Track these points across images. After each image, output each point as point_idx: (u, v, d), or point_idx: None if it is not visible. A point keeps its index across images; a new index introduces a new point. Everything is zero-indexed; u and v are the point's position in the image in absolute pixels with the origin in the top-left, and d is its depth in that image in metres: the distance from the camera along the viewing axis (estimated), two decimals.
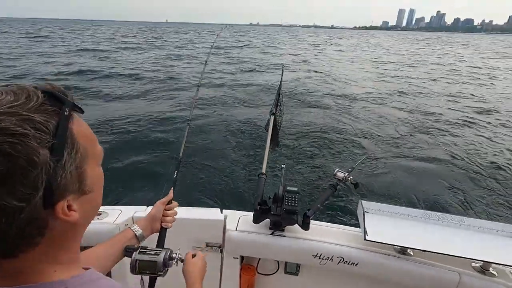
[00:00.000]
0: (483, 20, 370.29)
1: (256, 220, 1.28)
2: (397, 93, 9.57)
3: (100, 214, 1.27)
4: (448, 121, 7.10)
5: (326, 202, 1.38)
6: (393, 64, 18.87)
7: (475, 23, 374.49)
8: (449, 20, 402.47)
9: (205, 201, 3.27)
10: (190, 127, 1.27)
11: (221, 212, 1.38)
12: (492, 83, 12.89)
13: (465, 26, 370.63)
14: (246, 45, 26.84)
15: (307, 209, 1.27)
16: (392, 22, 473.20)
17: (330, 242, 1.29)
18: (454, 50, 36.08)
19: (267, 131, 2.03)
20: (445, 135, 6.15)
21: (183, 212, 1.25)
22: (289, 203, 1.22)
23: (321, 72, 13.13)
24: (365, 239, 1.20)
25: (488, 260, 1.22)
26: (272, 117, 2.31)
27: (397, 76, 13.94)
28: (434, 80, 12.99)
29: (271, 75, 12.14)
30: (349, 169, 1.44)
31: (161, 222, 0.93)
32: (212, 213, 1.36)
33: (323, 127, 6.10)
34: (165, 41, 29.03)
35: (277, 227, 1.29)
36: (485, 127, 7.04)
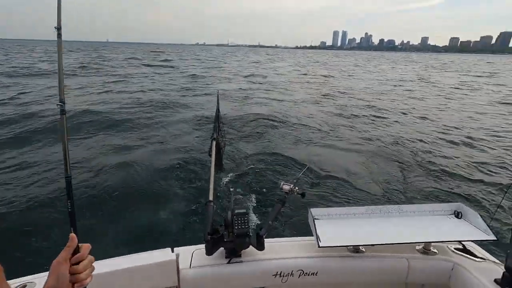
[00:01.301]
0: (402, 41, 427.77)
1: (210, 251, 1.22)
2: (339, 107, 10.95)
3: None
4: (372, 122, 8.59)
5: (277, 217, 1.37)
6: (333, 77, 21.27)
7: (396, 43, 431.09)
8: (375, 40, 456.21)
9: (152, 242, 2.99)
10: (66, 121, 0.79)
11: (172, 251, 1.26)
12: (407, 86, 15.61)
13: (389, 46, 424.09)
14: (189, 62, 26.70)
15: (259, 228, 1.25)
16: (329, 42, 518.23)
17: (288, 257, 1.27)
18: (379, 64, 42.23)
19: (211, 156, 2.01)
20: (371, 137, 7.28)
21: (126, 262, 1.16)
22: (239, 226, 1.18)
23: (264, 90, 14.03)
24: (319, 246, 1.21)
25: (427, 241, 1.29)
26: (214, 142, 2.24)
27: (334, 87, 15.98)
28: (368, 89, 15.13)
29: (208, 97, 12.36)
30: (294, 180, 1.46)
31: (73, 285, 0.67)
32: (162, 254, 1.23)
33: (265, 145, 6.34)
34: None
35: (233, 254, 1.24)
36: (401, 123, 8.76)
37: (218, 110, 2.94)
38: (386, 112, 10.82)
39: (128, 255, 1.21)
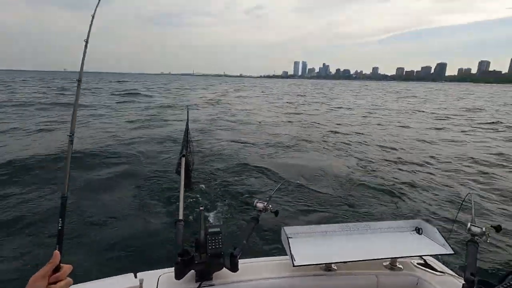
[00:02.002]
0: (356, 70, 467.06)
1: (179, 275, 1.12)
2: (304, 125, 11.35)
3: None
4: (343, 143, 8.73)
5: (251, 236, 1.32)
6: (291, 103, 22.17)
7: (351, 73, 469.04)
8: (333, 70, 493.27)
9: (115, 267, 2.77)
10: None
11: (135, 276, 1.16)
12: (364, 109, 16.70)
13: (345, 75, 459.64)
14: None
15: (233, 248, 1.19)
16: (291, 72, 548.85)
17: (262, 277, 1.23)
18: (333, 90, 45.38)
19: (179, 174, 1.95)
20: (341, 154, 7.50)
21: None
22: (214, 246, 1.12)
23: (231, 115, 14.09)
24: (293, 265, 1.18)
25: (393, 256, 1.33)
26: (183, 159, 2.17)
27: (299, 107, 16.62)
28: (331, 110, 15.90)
29: (176, 116, 12.47)
30: (267, 198, 1.45)
31: None
32: (124, 280, 1.14)
33: (236, 163, 6.28)
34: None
35: (204, 277, 1.16)
36: (364, 143, 9.00)
37: (187, 126, 2.85)
38: (354, 135, 11.36)
39: (88, 282, 1.11)
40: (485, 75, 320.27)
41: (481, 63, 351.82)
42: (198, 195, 4.45)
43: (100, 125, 10.54)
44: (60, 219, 0.78)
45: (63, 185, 0.83)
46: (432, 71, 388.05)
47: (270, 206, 1.42)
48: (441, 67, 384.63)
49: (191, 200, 4.24)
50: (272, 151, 7.86)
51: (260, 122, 12.41)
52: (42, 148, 6.90)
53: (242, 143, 8.55)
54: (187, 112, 3.19)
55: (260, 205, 1.41)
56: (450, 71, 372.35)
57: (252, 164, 6.35)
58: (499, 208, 4.96)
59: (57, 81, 49.53)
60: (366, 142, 9.38)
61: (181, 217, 1.32)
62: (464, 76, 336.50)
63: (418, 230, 1.44)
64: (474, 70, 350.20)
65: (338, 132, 11.41)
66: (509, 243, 3.76)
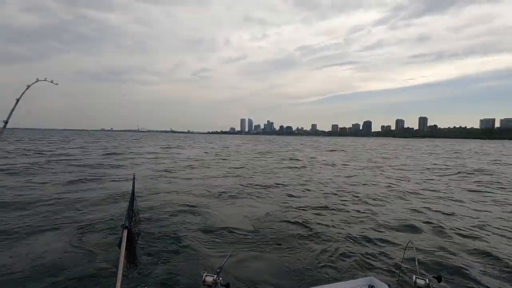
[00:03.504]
0: (297, 127, 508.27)
1: None
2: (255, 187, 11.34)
3: None
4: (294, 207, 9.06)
5: None
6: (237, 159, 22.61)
7: (294, 129, 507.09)
8: (276, 126, 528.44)
9: None
10: None
11: None
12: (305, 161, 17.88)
13: (288, 131, 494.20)
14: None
15: None
16: (238, 128, 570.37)
17: None
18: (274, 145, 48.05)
19: (120, 248, 1.86)
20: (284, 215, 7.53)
21: None
22: None
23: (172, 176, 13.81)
24: None
25: None
26: (125, 232, 1.98)
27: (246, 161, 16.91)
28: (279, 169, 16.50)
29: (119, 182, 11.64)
30: (217, 270, 1.41)
31: None
32: None
33: (183, 231, 5.94)
34: None
35: None
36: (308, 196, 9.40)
37: (133, 194, 2.59)
38: (296, 186, 11.85)
39: None
40: (402, 131, 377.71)
41: (397, 121, 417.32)
42: (142, 272, 4.12)
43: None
44: None
45: None
46: (361, 127, 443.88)
47: (221, 279, 1.33)
48: (367, 124, 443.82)
49: (134, 277, 3.92)
50: (222, 215, 7.68)
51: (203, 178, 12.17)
52: None
53: (191, 206, 8.21)
54: (133, 180, 2.75)
55: (209, 278, 1.33)
56: (376, 127, 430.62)
57: (200, 232, 6.06)
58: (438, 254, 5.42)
59: None
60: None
61: None
62: (386, 132, 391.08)
63: None
64: (393, 127, 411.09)
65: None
66: None
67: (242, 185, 12.12)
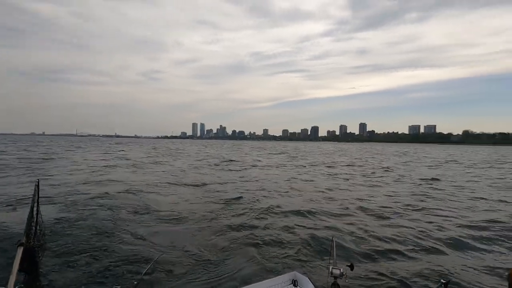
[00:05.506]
0: (250, 132, 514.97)
1: None
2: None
3: None
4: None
5: None
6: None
7: (246, 134, 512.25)
8: (229, 131, 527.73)
9: None
10: None
11: None
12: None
13: (240, 136, 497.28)
14: None
15: None
16: (189, 133, 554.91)
17: None
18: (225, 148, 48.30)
19: (23, 270, 1.64)
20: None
21: None
22: None
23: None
24: None
25: None
26: (20, 250, 1.71)
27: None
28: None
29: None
30: (135, 283, 1.26)
31: None
32: None
33: (92, 247, 5.49)
34: None
35: None
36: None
37: (37, 205, 2.20)
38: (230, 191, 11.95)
39: None
40: (345, 136, 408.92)
41: (341, 127, 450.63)
42: None
43: None
44: None
45: None
46: (309, 132, 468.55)
47: None
48: (315, 129, 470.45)
49: None
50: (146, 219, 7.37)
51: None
52: None
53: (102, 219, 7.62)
54: (36, 187, 2.27)
55: None
56: (322, 132, 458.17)
57: (123, 242, 5.76)
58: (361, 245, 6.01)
59: None
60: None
61: None
62: (332, 137, 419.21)
63: (294, 283, 1.48)
64: (338, 132, 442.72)
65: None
66: (363, 278, 4.55)
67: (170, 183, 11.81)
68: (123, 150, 45.05)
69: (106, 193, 10.51)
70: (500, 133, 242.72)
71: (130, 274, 4.37)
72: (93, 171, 17.73)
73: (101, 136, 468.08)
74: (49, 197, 9.52)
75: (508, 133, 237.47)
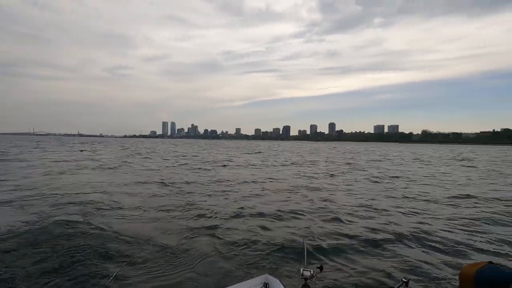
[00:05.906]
0: (222, 131, 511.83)
1: None
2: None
3: None
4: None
5: None
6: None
7: (218, 133, 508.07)
8: (201, 130, 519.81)
9: None
10: None
11: None
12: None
13: (213, 135, 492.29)
14: None
15: None
16: (159, 132, 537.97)
17: None
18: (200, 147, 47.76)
19: None
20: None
21: None
22: None
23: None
24: None
25: None
26: None
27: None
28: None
29: None
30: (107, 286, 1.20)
31: None
32: None
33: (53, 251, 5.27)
34: None
35: None
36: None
37: None
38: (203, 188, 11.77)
39: None
40: (315, 135, 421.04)
41: (312, 126, 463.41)
42: None
43: None
44: None
45: None
46: (281, 132, 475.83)
47: None
48: (286, 129, 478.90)
49: None
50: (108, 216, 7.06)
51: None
52: None
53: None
54: None
55: None
56: (294, 131, 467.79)
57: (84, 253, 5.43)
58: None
59: None
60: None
61: None
62: (303, 136, 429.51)
63: (266, 286, 1.46)
64: (308, 131, 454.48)
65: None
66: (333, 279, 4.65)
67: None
68: (85, 150, 42.45)
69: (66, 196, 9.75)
70: (453, 133, 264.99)
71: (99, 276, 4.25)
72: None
73: (61, 135, 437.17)
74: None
75: (460, 133, 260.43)
